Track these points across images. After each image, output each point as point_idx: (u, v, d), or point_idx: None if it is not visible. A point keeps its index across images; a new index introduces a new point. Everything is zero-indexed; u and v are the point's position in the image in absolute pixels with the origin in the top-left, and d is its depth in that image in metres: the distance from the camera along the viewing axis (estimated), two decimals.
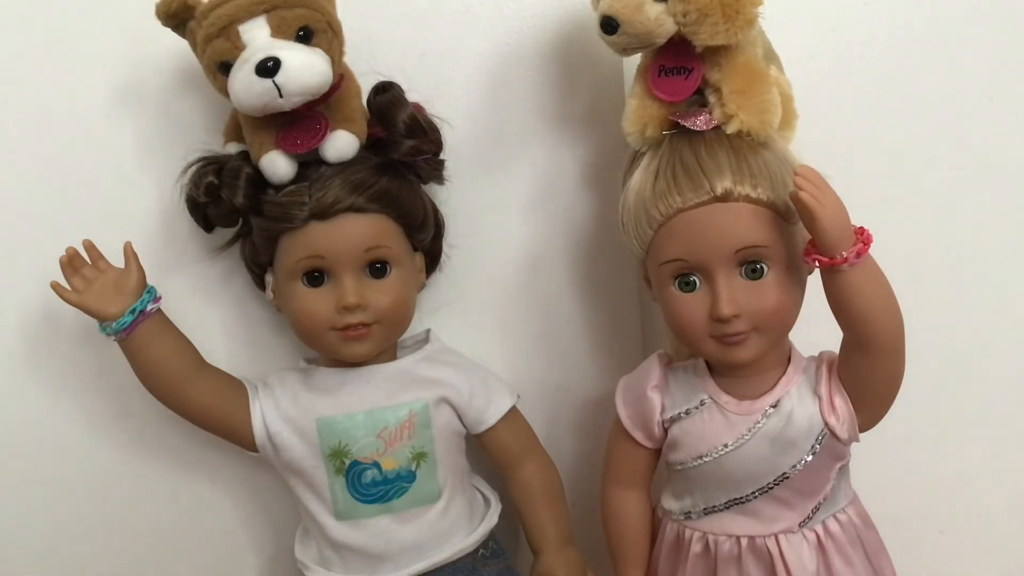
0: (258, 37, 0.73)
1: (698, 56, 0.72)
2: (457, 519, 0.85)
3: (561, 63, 0.91)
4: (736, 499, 0.77)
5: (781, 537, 0.77)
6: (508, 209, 0.93)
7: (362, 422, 0.81)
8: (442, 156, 0.85)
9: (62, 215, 0.88)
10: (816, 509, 0.77)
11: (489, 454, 0.88)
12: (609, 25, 0.69)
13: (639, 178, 0.75)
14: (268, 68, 0.70)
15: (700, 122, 0.73)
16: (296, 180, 0.78)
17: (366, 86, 0.81)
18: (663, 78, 0.74)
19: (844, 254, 0.67)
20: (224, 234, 0.86)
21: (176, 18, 0.75)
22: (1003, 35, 0.92)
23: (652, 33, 0.69)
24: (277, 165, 0.77)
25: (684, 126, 0.73)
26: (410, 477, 0.82)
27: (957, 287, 0.95)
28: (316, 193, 0.77)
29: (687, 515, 0.80)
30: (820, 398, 0.75)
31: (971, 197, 0.94)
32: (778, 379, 0.77)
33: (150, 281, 0.82)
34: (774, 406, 0.76)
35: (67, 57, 0.87)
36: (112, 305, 0.79)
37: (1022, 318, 0.97)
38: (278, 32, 0.73)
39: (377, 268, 0.80)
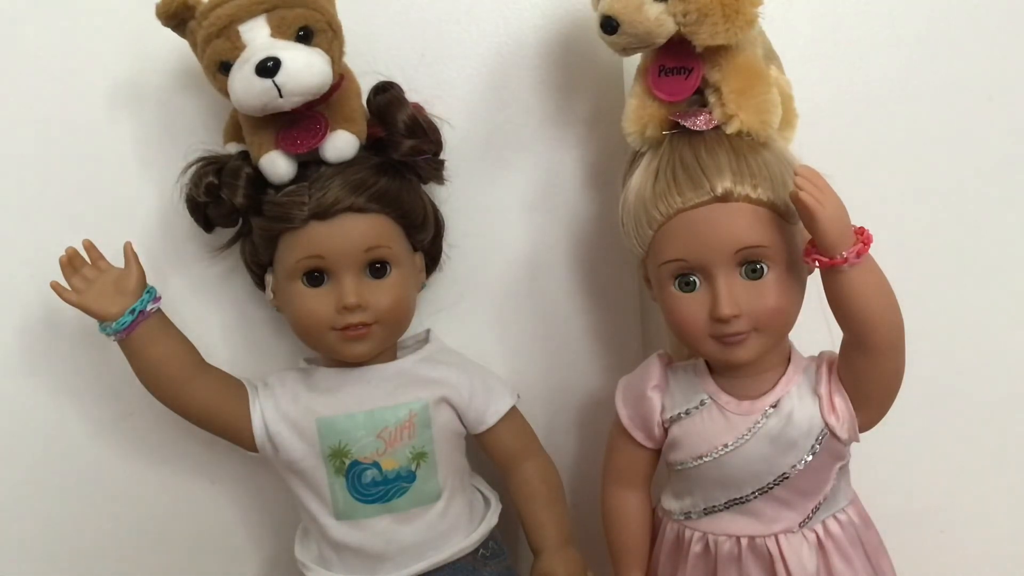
0: (258, 37, 0.73)
1: (698, 56, 0.72)
2: (457, 519, 0.85)
3: (561, 63, 0.91)
4: (736, 499, 0.77)
5: (781, 537, 0.77)
6: (508, 209, 0.93)
7: (362, 422, 0.81)
8: (442, 156, 0.85)
9: (62, 215, 0.88)
10: (816, 509, 0.77)
11: (489, 454, 0.88)
12: (609, 25, 0.69)
13: (639, 178, 0.75)
14: (268, 68, 0.70)
15: (700, 122, 0.73)
16: (296, 180, 0.78)
17: (366, 86, 0.81)
18: (663, 78, 0.74)
19: (844, 254, 0.67)
20: (224, 234, 0.86)
21: (176, 18, 0.75)
22: (1003, 35, 0.92)
23: (652, 33, 0.69)
24: (277, 165, 0.77)
25: (684, 126, 0.73)
26: (410, 477, 0.82)
27: (957, 287, 0.95)
28: (316, 193, 0.77)
29: (687, 515, 0.80)
30: (820, 398, 0.75)
31: (971, 197, 0.94)
32: (778, 379, 0.77)
33: (150, 281, 0.82)
34: (774, 406, 0.76)
35: (67, 56, 0.87)
36: (112, 305, 0.79)
37: (1022, 318, 0.97)
38: (278, 32, 0.73)
39: (377, 268, 0.80)
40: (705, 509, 0.79)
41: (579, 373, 0.98)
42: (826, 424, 0.75)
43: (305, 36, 0.74)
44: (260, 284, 0.86)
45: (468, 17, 0.90)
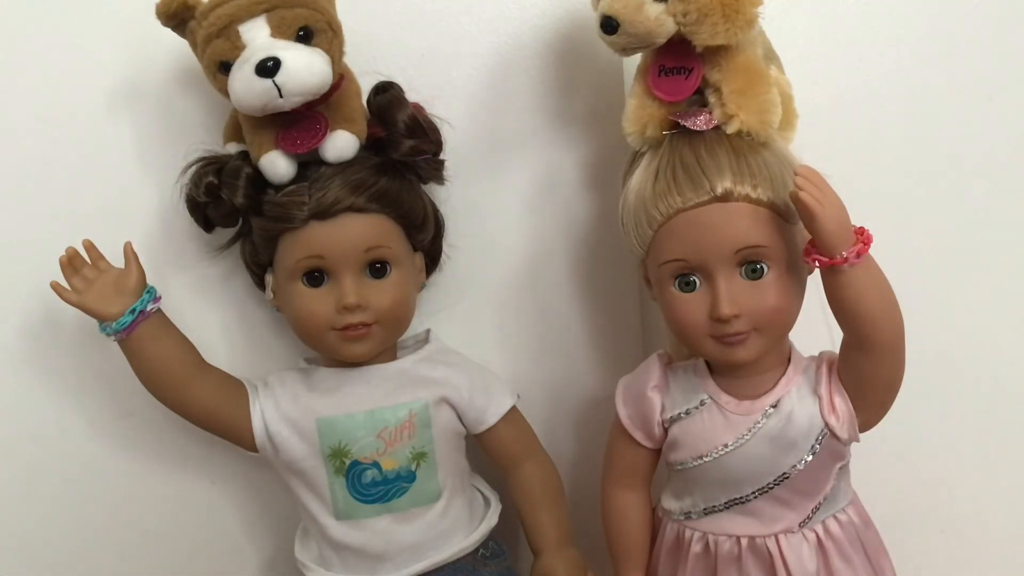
0: (258, 37, 0.73)
1: (698, 56, 0.72)
2: (457, 519, 0.85)
3: (561, 63, 0.91)
4: (736, 499, 0.77)
5: (781, 537, 0.77)
6: (508, 209, 0.93)
7: (362, 422, 0.81)
8: (442, 156, 0.85)
9: (62, 215, 0.88)
10: (816, 509, 0.77)
11: (489, 454, 0.88)
12: (609, 25, 0.69)
13: (639, 178, 0.75)
14: (268, 68, 0.70)
15: (700, 122, 0.73)
16: (296, 180, 0.78)
17: (366, 86, 0.81)
18: (663, 78, 0.74)
19: (844, 254, 0.67)
20: (224, 234, 0.86)
21: (176, 18, 0.75)
22: (1003, 35, 0.92)
23: (652, 33, 0.69)
24: (277, 165, 0.77)
25: (684, 126, 0.73)
26: (410, 477, 0.82)
27: (957, 287, 0.95)
28: (316, 193, 0.77)
29: (687, 515, 0.80)
30: (820, 398, 0.75)
31: (971, 197, 0.94)
32: (778, 379, 0.76)
33: (150, 281, 0.82)
34: (774, 406, 0.75)
35: (67, 57, 0.87)
36: (112, 305, 0.79)
37: (1022, 318, 0.97)
38: (278, 32, 0.73)
39: (377, 268, 0.80)
40: (705, 509, 0.79)
41: (579, 373, 0.98)
42: (826, 424, 0.75)
43: (305, 36, 0.74)
44: (260, 284, 0.86)
45: (468, 17, 0.90)
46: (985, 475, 0.99)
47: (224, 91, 0.74)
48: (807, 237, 0.69)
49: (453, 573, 0.84)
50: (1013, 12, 0.92)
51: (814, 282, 0.73)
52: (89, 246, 0.82)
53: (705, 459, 0.77)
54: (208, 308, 0.92)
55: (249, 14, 0.73)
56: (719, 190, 0.70)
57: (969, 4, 0.91)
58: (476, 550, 0.86)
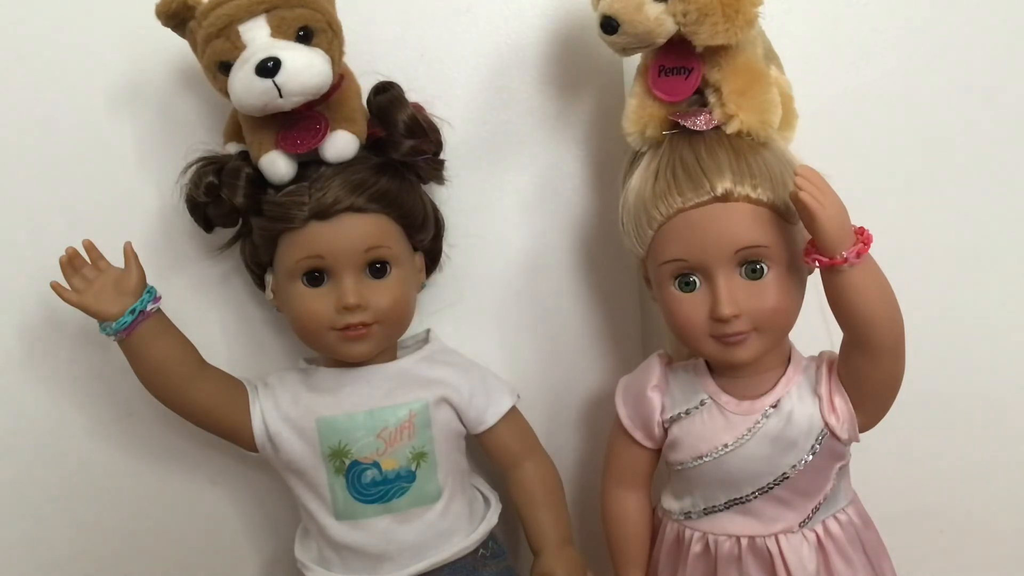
0: (258, 37, 0.73)
1: (698, 56, 0.72)
2: (457, 519, 0.85)
3: (561, 63, 0.91)
4: (736, 499, 0.77)
5: (781, 537, 0.77)
6: (508, 209, 0.93)
7: (362, 422, 0.81)
8: (442, 156, 0.85)
9: (62, 215, 0.88)
10: (816, 509, 0.77)
11: (489, 454, 0.88)
12: (609, 25, 0.69)
13: (639, 178, 0.75)
14: (268, 68, 0.70)
15: (700, 122, 0.73)
16: (296, 180, 0.78)
17: (366, 86, 0.81)
18: (663, 78, 0.74)
19: (844, 254, 0.67)
20: (224, 234, 0.86)
21: (176, 18, 0.75)
22: (1003, 35, 0.92)
23: (652, 33, 0.69)
24: (277, 165, 0.77)
25: (684, 126, 0.74)
26: (410, 477, 0.82)
27: (957, 287, 0.95)
28: (316, 193, 0.77)
29: (687, 515, 0.80)
30: (820, 398, 0.75)
31: (971, 197, 0.94)
32: (778, 379, 0.77)
33: (150, 281, 0.82)
34: (774, 406, 0.76)
35: (67, 57, 0.87)
36: (112, 305, 0.79)
37: (1022, 318, 0.96)
38: (278, 32, 0.73)
39: (377, 268, 0.80)
40: (705, 509, 0.79)
41: (579, 373, 0.98)
42: (826, 424, 0.75)
43: (305, 36, 0.74)
44: (260, 284, 0.86)
45: (468, 17, 0.90)
46: (985, 475, 0.99)
47: (224, 91, 0.74)
48: (807, 237, 0.69)
49: (453, 573, 0.84)
50: (1013, 12, 0.92)
51: (814, 282, 0.73)
52: (89, 246, 0.82)
53: (705, 459, 0.77)
54: (208, 308, 0.92)
55: (249, 14, 0.73)
56: (719, 190, 0.70)
57: (969, 4, 0.91)
58: (476, 550, 0.86)
